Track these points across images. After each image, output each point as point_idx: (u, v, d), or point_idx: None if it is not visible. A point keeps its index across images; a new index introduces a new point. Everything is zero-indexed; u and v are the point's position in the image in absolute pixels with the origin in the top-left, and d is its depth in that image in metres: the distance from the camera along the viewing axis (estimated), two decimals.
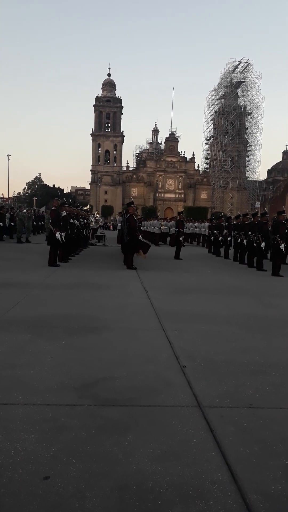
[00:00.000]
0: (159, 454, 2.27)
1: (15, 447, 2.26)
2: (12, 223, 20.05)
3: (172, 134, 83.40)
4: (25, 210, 20.19)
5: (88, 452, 2.26)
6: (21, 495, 1.89)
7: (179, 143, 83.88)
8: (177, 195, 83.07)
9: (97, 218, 27.41)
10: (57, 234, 10.52)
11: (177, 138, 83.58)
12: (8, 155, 61.53)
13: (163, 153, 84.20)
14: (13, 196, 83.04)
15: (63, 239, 10.93)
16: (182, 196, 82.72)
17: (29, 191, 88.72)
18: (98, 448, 2.30)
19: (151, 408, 2.81)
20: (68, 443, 2.33)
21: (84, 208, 24.42)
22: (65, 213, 11.62)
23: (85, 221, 17.11)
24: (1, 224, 18.72)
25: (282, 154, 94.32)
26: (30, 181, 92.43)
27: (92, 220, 23.69)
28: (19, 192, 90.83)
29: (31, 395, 2.90)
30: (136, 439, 2.40)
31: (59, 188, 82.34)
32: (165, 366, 3.64)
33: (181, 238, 14.51)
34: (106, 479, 2.04)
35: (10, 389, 2.99)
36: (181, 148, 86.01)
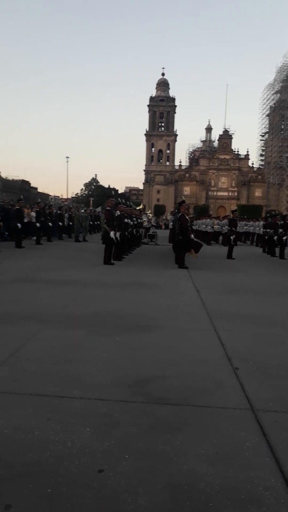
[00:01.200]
0: (211, 456, 2.27)
1: (72, 439, 2.36)
2: (71, 223, 20.78)
3: (225, 131, 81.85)
4: (82, 210, 20.84)
5: (141, 448, 2.31)
6: (76, 486, 1.98)
7: (233, 140, 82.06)
8: (230, 193, 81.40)
9: (149, 218, 27.60)
10: (112, 234, 10.75)
11: (231, 135, 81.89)
12: (67, 157, 63.54)
13: (216, 151, 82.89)
14: (71, 197, 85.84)
15: (118, 238, 11.15)
16: (236, 194, 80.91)
17: (86, 192, 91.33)
18: (150, 446, 2.34)
19: (202, 409, 2.81)
20: (121, 438, 2.40)
21: (137, 208, 24.72)
22: (119, 213, 11.85)
23: (138, 220, 17.32)
24: (60, 223, 19.47)
25: None
26: (87, 182, 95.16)
27: (145, 219, 23.90)
28: (77, 193, 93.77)
29: (86, 390, 3.01)
30: (188, 439, 2.42)
31: (113, 189, 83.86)
32: (217, 367, 3.62)
33: (232, 237, 14.22)
34: (158, 477, 2.07)
35: (67, 383, 3.12)
36: (235, 145, 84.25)
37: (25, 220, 15.70)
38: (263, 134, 78.95)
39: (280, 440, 2.43)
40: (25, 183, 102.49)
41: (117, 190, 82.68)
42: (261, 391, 3.12)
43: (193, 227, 18.21)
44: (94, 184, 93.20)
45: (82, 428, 2.49)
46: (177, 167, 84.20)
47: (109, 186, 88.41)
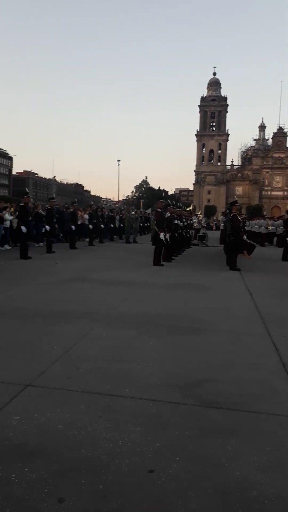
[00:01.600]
0: (264, 464, 2.19)
1: (123, 437, 2.39)
2: (121, 225, 21.13)
3: (280, 129, 79.29)
4: (133, 212, 21.08)
5: (191, 451, 2.29)
6: (127, 485, 2.00)
7: None
8: (285, 193, 78.67)
9: (199, 219, 27.33)
10: (161, 235, 10.77)
11: (286, 133, 79.10)
12: (118, 161, 64.84)
13: (270, 149, 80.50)
14: (122, 199, 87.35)
15: (167, 239, 11.15)
16: None
17: (136, 194, 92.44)
18: (201, 449, 2.31)
19: (255, 415, 2.73)
20: (172, 440, 2.39)
21: (187, 209, 24.57)
22: (169, 214, 11.85)
23: (188, 221, 17.21)
24: (112, 225, 19.86)
25: None
26: (138, 184, 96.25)
27: (195, 220, 23.70)
28: (128, 195, 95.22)
29: (137, 389, 3.03)
30: (240, 445, 2.36)
31: (163, 190, 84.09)
32: (271, 373, 3.49)
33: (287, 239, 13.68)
34: (209, 481, 2.04)
35: (118, 381, 3.16)
36: None
37: (79, 222, 16.17)
38: None
39: None
40: (78, 187, 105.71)
41: (167, 191, 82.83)
42: None
43: (245, 228, 17.79)
44: (145, 186, 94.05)
45: (133, 427, 2.51)
46: (228, 167, 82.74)
47: (159, 187, 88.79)
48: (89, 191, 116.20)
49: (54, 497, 1.89)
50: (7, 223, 13.24)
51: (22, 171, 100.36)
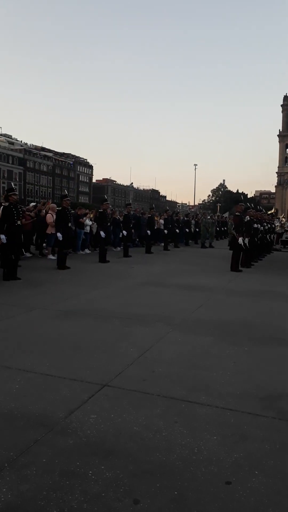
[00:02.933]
0: None
1: (199, 445, 2.33)
2: (197, 229, 20.97)
3: None
4: (209, 217, 20.81)
5: (272, 466, 2.15)
6: (203, 494, 1.93)
7: None
8: None
9: (282, 222, 26.05)
10: (240, 240, 10.46)
11: None
12: (195, 165, 64.47)
13: None
14: (198, 204, 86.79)
15: (246, 244, 10.80)
16: None
17: (213, 198, 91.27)
18: (282, 465, 2.16)
19: None
20: (251, 452, 2.27)
21: (268, 212, 23.59)
22: (249, 218, 11.47)
23: (269, 225, 16.50)
24: (187, 230, 19.80)
25: None
26: (215, 188, 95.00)
27: (277, 224, 22.66)
28: (204, 199, 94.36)
29: (214, 398, 2.94)
30: None
31: (242, 193, 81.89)
32: None
33: None
34: None
35: (194, 388, 3.10)
36: None
37: (155, 227, 16.36)
38: None
39: None
40: (154, 192, 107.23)
41: (246, 194, 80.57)
42: None
43: None
44: (222, 189, 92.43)
45: (209, 435, 2.43)
46: None
47: (237, 190, 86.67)
48: (165, 196, 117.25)
49: (130, 497, 1.89)
50: (87, 228, 13.85)
51: (101, 178, 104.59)
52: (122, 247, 13.86)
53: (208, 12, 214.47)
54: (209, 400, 2.90)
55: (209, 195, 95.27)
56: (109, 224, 13.14)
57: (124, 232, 13.15)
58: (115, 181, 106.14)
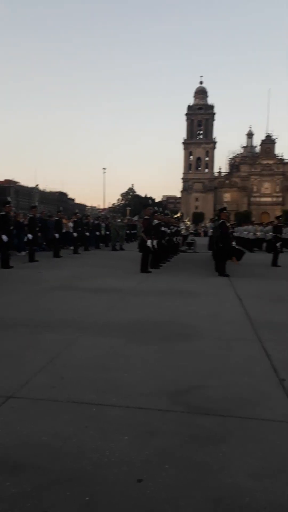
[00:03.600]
0: (256, 470, 2.13)
1: (110, 447, 2.30)
2: (107, 232, 21.07)
3: (268, 136, 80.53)
4: (119, 220, 21.06)
5: (181, 459, 2.21)
6: (115, 495, 1.91)
7: (276, 145, 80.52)
8: (274, 199, 79.68)
9: (187, 225, 27.43)
10: (148, 242, 10.74)
11: (274, 140, 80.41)
12: (104, 169, 64.95)
13: (259, 156, 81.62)
14: (108, 207, 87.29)
15: (155, 246, 11.12)
16: (280, 199, 79.04)
17: (123, 202, 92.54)
18: (191, 456, 2.24)
19: (246, 421, 2.67)
20: (161, 448, 2.31)
21: (175, 216, 24.64)
22: (157, 221, 11.84)
23: (176, 228, 17.24)
24: (98, 233, 19.81)
25: None
26: (124, 192, 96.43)
27: (183, 227, 23.78)
28: (114, 203, 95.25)
29: (125, 398, 2.95)
30: (231, 451, 2.29)
31: (150, 198, 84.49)
32: (262, 378, 3.44)
33: (278, 244, 13.79)
34: (199, 489, 1.97)
35: (105, 390, 3.07)
36: (278, 150, 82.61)
37: (63, 231, 16.06)
38: None
39: None
40: (62, 195, 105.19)
41: (154, 199, 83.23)
42: None
43: (234, 234, 17.88)
44: (131, 193, 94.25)
45: (120, 436, 2.42)
46: (216, 174, 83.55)
47: (146, 195, 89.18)
48: (73, 199, 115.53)
49: (39, 511, 1.79)
50: None
51: (3, 180, 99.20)
52: (27, 252, 13.33)
53: (112, 18, 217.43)
54: (120, 401, 2.90)
55: (119, 199, 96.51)
56: (12, 227, 12.54)
57: (30, 236, 12.67)
58: (18, 182, 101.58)
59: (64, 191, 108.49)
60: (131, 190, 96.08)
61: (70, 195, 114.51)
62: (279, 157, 79.78)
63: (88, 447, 2.30)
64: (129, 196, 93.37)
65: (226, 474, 2.09)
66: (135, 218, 32.70)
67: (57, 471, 2.08)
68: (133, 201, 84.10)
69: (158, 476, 2.06)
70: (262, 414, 2.76)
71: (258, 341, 4.53)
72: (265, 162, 79.63)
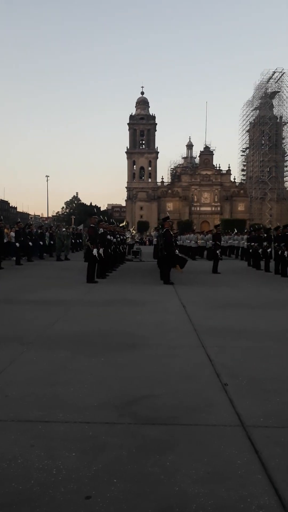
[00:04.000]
0: (202, 475, 2.19)
1: (57, 465, 2.26)
2: (52, 242, 20.64)
3: (206, 148, 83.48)
4: (63, 229, 20.71)
5: (129, 471, 2.22)
6: None
7: (214, 156, 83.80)
8: (213, 208, 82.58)
9: (133, 234, 27.65)
10: (94, 251, 10.69)
11: (212, 151, 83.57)
12: (47, 176, 63.66)
13: (198, 167, 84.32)
14: (52, 216, 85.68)
15: (101, 255, 11.09)
16: (219, 209, 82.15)
17: (67, 210, 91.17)
18: (139, 468, 2.26)
19: (192, 427, 2.74)
20: (109, 462, 2.31)
21: (120, 225, 24.75)
22: (102, 230, 11.82)
23: (122, 237, 17.32)
24: (41, 242, 19.32)
25: None
26: (68, 200, 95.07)
27: (128, 236, 23.93)
28: (58, 211, 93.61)
29: (72, 413, 2.91)
30: (178, 459, 2.34)
31: (95, 206, 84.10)
32: (206, 384, 3.56)
33: (218, 252, 14.32)
34: (148, 500, 1.99)
35: (51, 406, 3.01)
36: (216, 161, 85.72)
37: (5, 241, 15.48)
38: (244, 149, 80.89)
39: (272, 456, 2.38)
40: (3, 203, 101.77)
41: (99, 207, 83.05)
42: (252, 406, 3.07)
43: (177, 242, 18.30)
44: (76, 202, 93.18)
45: (68, 453, 2.39)
46: (159, 184, 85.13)
47: (90, 203, 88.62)
48: (15, 208, 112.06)
49: None
50: None
51: None
52: None
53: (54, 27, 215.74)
54: (67, 416, 2.85)
55: (63, 207, 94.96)
56: None
57: None
58: None
59: (5, 199, 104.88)
60: (75, 198, 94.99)
61: (12, 204, 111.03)
62: (217, 168, 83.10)
63: (35, 467, 2.24)
64: (74, 205, 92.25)
65: (173, 483, 2.13)
66: (80, 227, 32.38)
67: (2, 495, 2.00)
68: (78, 210, 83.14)
69: (106, 491, 2.05)
70: (207, 420, 2.85)
71: (202, 347, 4.67)
72: (204, 172, 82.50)
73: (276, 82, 74.10)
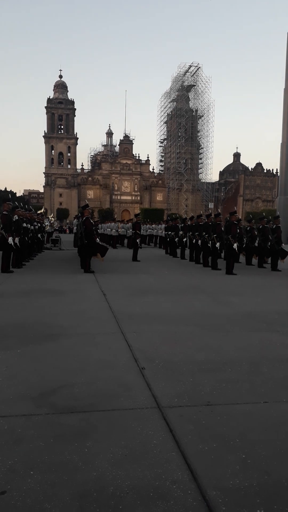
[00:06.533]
0: (119, 458, 2.26)
1: None
2: None
3: (126, 137, 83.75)
4: None
5: (47, 462, 2.21)
6: None
7: (134, 146, 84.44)
8: (133, 197, 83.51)
9: (52, 222, 26.90)
10: (10, 239, 10.22)
11: (132, 141, 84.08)
12: None
13: (118, 156, 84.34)
14: None
15: (17, 244, 10.64)
16: (138, 198, 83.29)
17: None
18: (57, 457, 2.25)
19: (110, 413, 2.79)
20: (26, 454, 2.27)
21: (38, 212, 23.92)
22: (18, 217, 11.32)
23: (39, 224, 16.76)
24: None
25: (232, 156, 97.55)
26: None
27: (47, 223, 23.24)
28: None
29: None
30: (96, 445, 2.38)
31: (10, 192, 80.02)
32: (125, 369, 3.64)
33: (138, 240, 14.58)
34: (65, 489, 2.00)
35: None
36: (135, 150, 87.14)
37: None
38: (162, 140, 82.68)
39: (185, 434, 2.52)
40: None
41: (15, 193, 79.07)
42: (167, 388, 3.21)
43: (98, 231, 18.22)
44: None
45: None
46: (79, 171, 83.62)
47: (5, 189, 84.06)
48: None
49: None
50: None
51: None
52: None
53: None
54: None
55: None
56: None
57: None
58: None
59: None
60: None
61: None
62: (137, 158, 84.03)
63: None
64: None
65: (91, 468, 2.16)
66: None
67: None
68: None
69: (23, 484, 2.02)
70: (124, 404, 2.93)
71: (121, 334, 4.75)
72: (124, 161, 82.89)
73: (192, 76, 76.70)
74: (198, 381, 3.36)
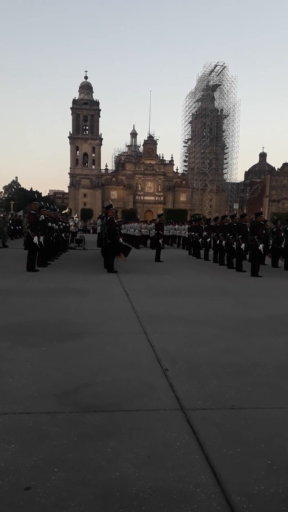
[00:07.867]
0: (142, 459, 2.25)
1: None
2: None
3: (150, 137, 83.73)
4: (1, 215, 19.87)
5: (70, 460, 2.22)
6: (1, 507, 1.84)
7: (158, 146, 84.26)
8: (156, 198, 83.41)
9: (76, 222, 27.21)
10: (35, 239, 10.38)
11: (156, 141, 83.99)
12: None
13: (142, 156, 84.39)
14: None
15: (42, 243, 10.80)
16: (162, 198, 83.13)
17: (6, 195, 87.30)
18: (80, 456, 2.26)
19: (133, 413, 2.79)
20: (50, 451, 2.29)
21: (63, 212, 24.23)
22: (44, 217, 11.50)
23: (64, 224, 16.98)
24: None
25: (258, 156, 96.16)
26: (7, 184, 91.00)
27: (71, 223, 23.53)
28: None
29: (11, 404, 2.84)
30: (119, 445, 2.38)
31: (36, 192, 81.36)
32: (147, 369, 3.63)
33: (160, 241, 14.55)
34: (89, 487, 2.01)
35: None
36: (159, 151, 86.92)
37: None
38: (186, 140, 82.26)
39: (208, 437, 2.49)
40: None
41: (41, 193, 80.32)
42: (190, 390, 3.18)
43: (121, 231, 18.31)
44: (15, 187, 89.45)
45: (7, 445, 2.33)
46: (103, 171, 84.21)
47: (31, 189, 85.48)
48: None
49: None
50: None
51: None
52: None
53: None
54: (6, 407, 2.78)
55: (1, 192, 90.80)
56: None
57: None
58: None
59: None
60: (14, 183, 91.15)
61: None
62: (161, 158, 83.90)
63: None
64: (13, 190, 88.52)
65: (114, 468, 2.16)
66: (20, 213, 31.23)
67: None
68: (17, 195, 79.85)
69: (47, 481, 2.04)
70: (147, 405, 2.92)
71: (144, 334, 4.75)
72: (148, 162, 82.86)
73: (217, 75, 75.94)
74: (222, 384, 3.32)
